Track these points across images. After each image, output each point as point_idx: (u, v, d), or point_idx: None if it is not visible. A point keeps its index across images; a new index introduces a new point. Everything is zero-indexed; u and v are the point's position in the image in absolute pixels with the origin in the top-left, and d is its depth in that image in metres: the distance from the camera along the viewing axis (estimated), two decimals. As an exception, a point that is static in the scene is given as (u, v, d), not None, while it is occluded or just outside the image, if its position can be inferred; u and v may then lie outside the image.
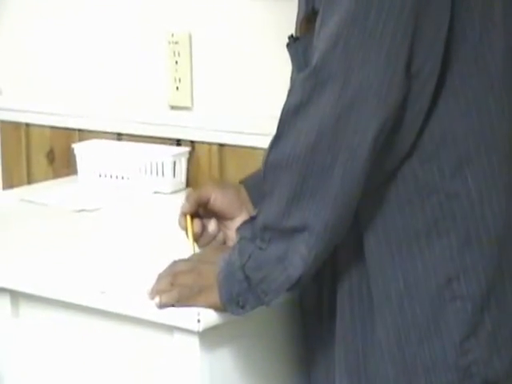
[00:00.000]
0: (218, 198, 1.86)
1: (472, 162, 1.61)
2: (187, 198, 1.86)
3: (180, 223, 1.86)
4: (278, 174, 1.60)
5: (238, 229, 1.66)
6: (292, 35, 1.80)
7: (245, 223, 1.65)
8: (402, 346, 1.62)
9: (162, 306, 1.69)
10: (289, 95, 1.62)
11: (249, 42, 2.37)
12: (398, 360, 1.63)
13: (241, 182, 1.93)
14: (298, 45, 1.76)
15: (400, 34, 1.53)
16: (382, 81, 1.54)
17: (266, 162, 1.62)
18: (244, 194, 1.88)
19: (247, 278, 1.59)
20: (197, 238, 1.85)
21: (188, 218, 1.84)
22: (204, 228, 1.86)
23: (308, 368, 1.84)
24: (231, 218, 1.86)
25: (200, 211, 1.86)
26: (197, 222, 1.85)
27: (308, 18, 1.70)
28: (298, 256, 1.57)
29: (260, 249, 1.60)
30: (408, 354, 1.62)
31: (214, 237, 1.86)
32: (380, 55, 1.54)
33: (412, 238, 1.61)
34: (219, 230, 1.86)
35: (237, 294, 1.61)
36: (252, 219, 1.63)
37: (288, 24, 2.15)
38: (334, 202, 1.56)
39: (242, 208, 1.86)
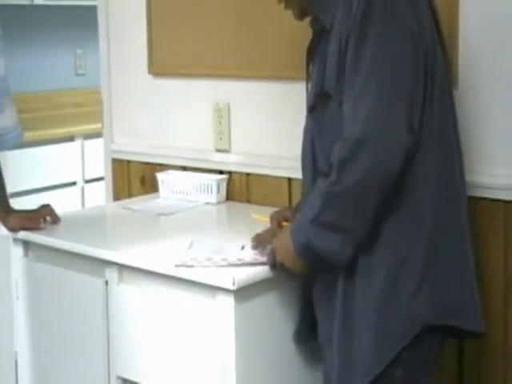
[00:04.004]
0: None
1: (416, 193, 1.60)
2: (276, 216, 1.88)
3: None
4: (335, 201, 1.57)
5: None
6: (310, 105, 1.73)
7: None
8: (373, 303, 1.61)
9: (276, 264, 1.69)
10: (341, 150, 1.55)
11: (268, 110, 2.34)
12: (370, 310, 1.61)
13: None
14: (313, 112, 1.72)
15: (405, 112, 1.54)
16: (398, 147, 1.53)
17: (328, 192, 1.57)
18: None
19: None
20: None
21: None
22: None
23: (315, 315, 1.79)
24: None
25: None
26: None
27: (319, 95, 1.66)
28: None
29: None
30: (377, 307, 1.61)
31: None
32: (397, 127, 1.53)
33: (382, 235, 1.60)
34: None
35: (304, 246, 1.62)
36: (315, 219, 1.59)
37: (293, 100, 2.18)
38: (364, 220, 1.57)
39: None
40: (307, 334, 1.84)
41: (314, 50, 1.73)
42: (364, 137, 1.52)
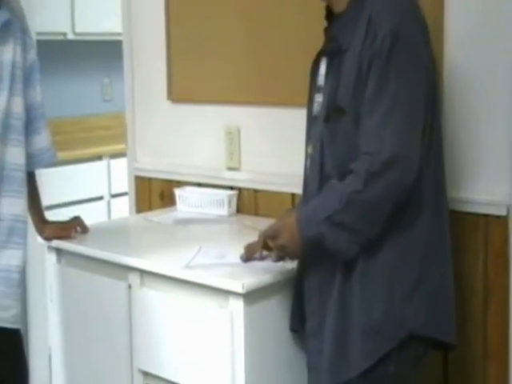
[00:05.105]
0: None
1: (414, 211, 1.61)
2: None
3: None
4: (355, 207, 1.56)
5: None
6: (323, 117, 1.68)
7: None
8: (368, 303, 1.60)
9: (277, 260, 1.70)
10: (370, 164, 1.54)
11: (274, 132, 2.35)
12: (365, 309, 1.60)
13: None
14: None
15: (420, 136, 1.56)
16: (414, 168, 1.55)
17: (350, 198, 1.55)
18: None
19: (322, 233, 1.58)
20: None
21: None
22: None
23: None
24: None
25: None
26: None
27: (332, 108, 1.65)
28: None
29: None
30: (372, 307, 1.60)
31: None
32: (416, 149, 1.55)
33: (383, 241, 1.60)
34: None
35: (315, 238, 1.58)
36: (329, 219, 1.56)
37: (296, 124, 2.15)
38: (374, 225, 1.57)
39: None
40: (297, 325, 1.81)
41: (329, 67, 1.68)
42: (393, 156, 1.52)
